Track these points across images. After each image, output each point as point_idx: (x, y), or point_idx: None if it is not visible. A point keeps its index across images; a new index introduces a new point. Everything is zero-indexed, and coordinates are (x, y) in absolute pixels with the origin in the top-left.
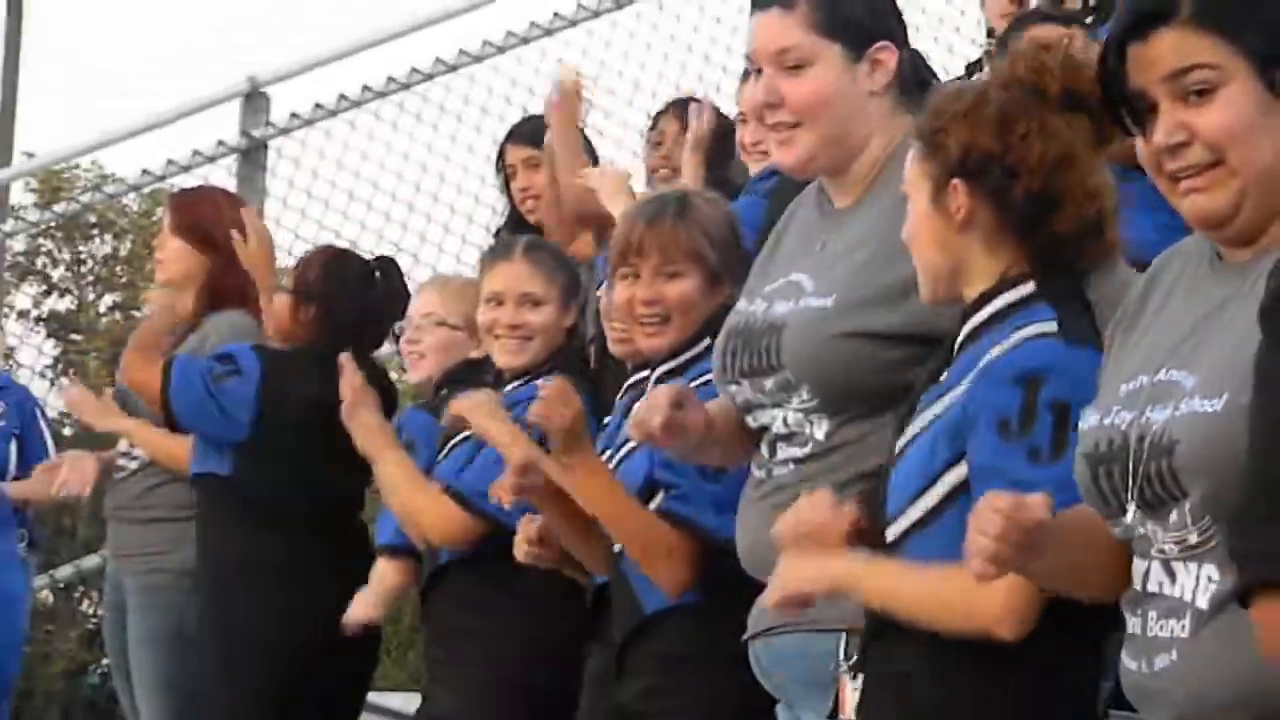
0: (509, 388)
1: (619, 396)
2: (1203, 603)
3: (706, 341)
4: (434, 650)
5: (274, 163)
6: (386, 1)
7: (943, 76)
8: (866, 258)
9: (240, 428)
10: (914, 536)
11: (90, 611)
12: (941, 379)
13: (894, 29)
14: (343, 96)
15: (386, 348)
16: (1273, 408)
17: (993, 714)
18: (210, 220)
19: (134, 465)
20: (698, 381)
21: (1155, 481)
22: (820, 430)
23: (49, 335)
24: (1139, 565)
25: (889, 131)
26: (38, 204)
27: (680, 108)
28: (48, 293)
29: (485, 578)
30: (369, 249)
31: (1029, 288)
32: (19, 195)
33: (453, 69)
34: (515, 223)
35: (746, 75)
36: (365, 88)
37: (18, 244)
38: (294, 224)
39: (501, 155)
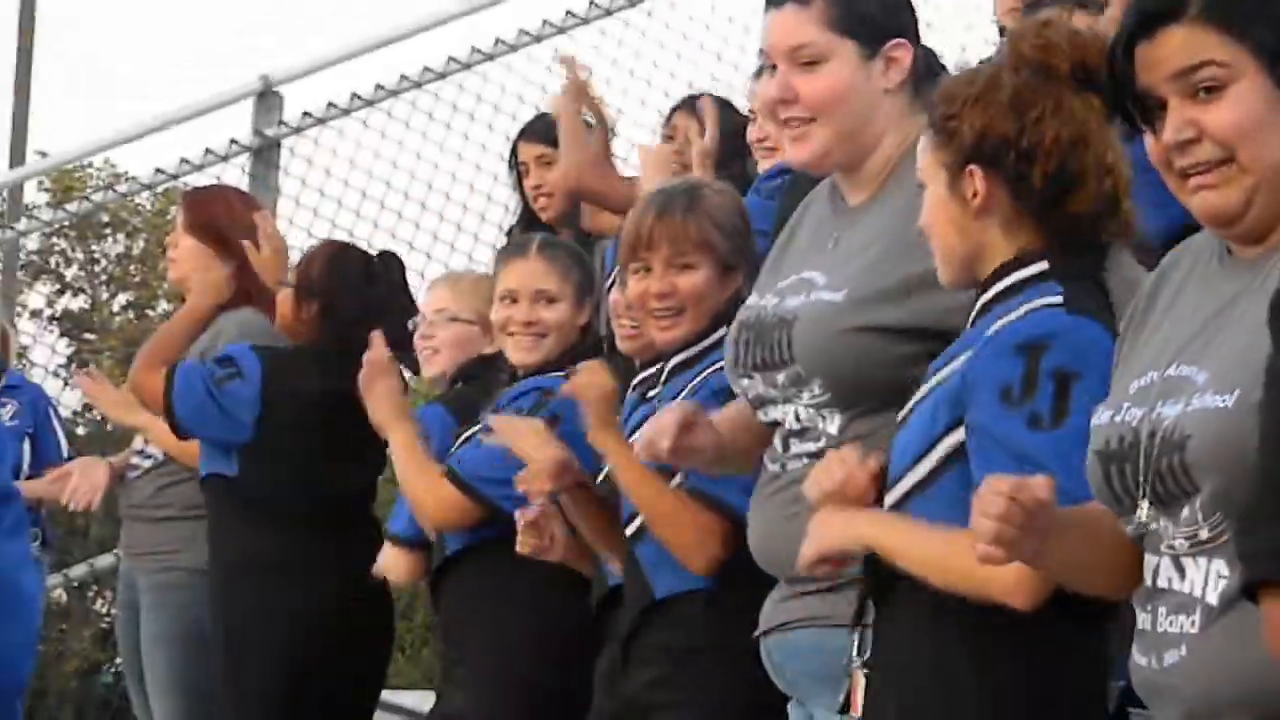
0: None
1: (629, 391)
2: (1213, 598)
3: (721, 331)
4: (445, 648)
5: (287, 161)
6: (401, 2)
7: None
8: (879, 253)
9: (244, 429)
10: (914, 499)
11: (104, 610)
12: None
13: (908, 26)
14: (355, 95)
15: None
16: None
17: (996, 701)
18: (223, 219)
19: (148, 464)
20: (710, 370)
21: (1167, 477)
22: (833, 425)
23: (62, 334)
24: (1149, 561)
25: (903, 129)
26: (51, 203)
27: (693, 105)
28: (61, 292)
29: (493, 573)
30: (380, 247)
31: (1042, 265)
32: (32, 194)
33: (466, 67)
34: (528, 220)
35: (759, 72)
36: (378, 86)
37: (31, 243)
38: (307, 223)
39: (514, 153)
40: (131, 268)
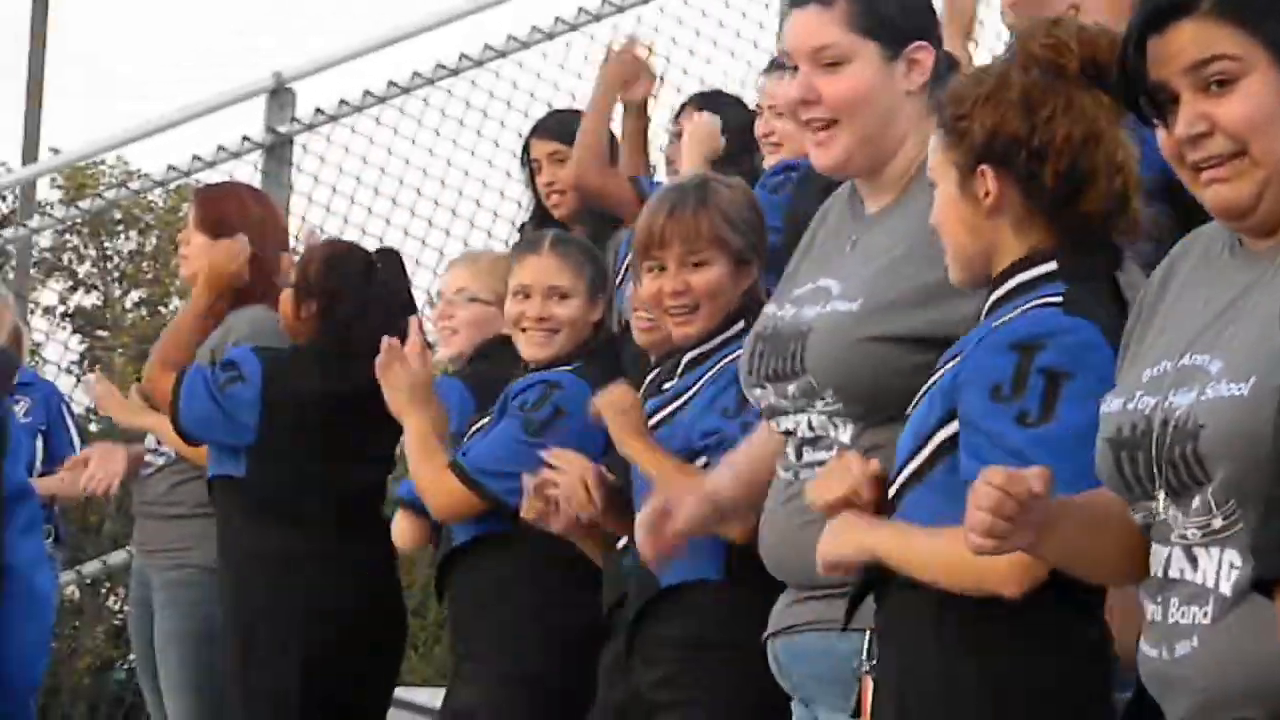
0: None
1: (645, 385)
2: (1225, 589)
3: (738, 325)
4: (455, 642)
5: (299, 158)
6: (401, 2)
7: None
8: (898, 259)
9: (247, 432)
10: (910, 490)
11: (117, 607)
12: None
13: (929, 28)
14: (368, 92)
15: None
16: None
17: (996, 693)
18: (235, 216)
19: (160, 461)
20: (726, 360)
21: (1179, 466)
22: (846, 434)
23: (75, 331)
24: (1159, 552)
25: (923, 132)
26: (64, 200)
27: (702, 102)
28: (74, 288)
29: (500, 566)
30: (394, 244)
31: (1050, 265)
32: (45, 192)
33: (477, 64)
34: (541, 217)
35: (769, 68)
36: (390, 83)
37: (44, 240)
38: (319, 220)
39: (527, 150)
40: (144, 264)
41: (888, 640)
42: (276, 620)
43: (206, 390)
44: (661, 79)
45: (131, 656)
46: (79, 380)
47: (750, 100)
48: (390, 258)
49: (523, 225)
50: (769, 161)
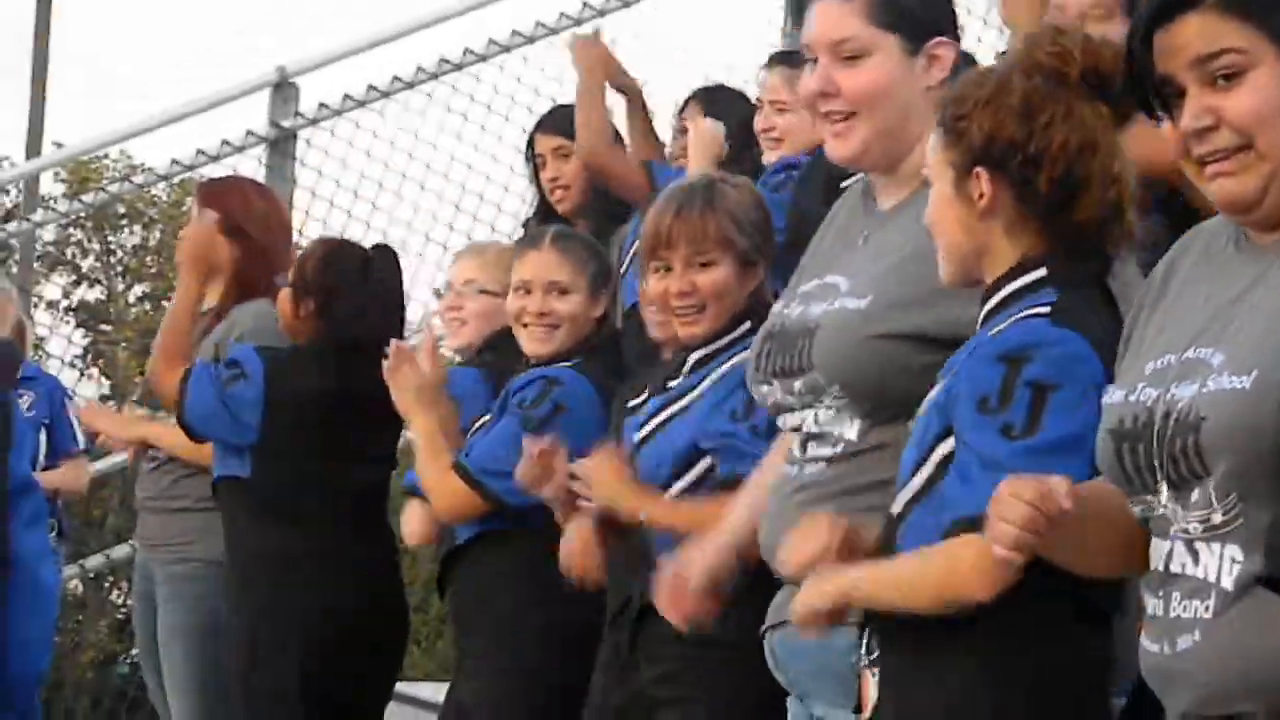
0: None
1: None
2: (1227, 583)
3: (745, 326)
4: (457, 637)
5: (303, 153)
6: (400, 1)
7: None
8: (907, 258)
9: (250, 431)
10: (914, 509)
11: (120, 601)
12: None
13: (950, 24)
14: (372, 87)
15: None
16: None
17: (998, 698)
18: (239, 210)
19: (163, 456)
20: (733, 362)
21: (1180, 459)
22: (851, 431)
23: (78, 325)
24: (1159, 546)
25: None
26: (67, 194)
27: (705, 97)
28: (77, 283)
29: (501, 562)
30: (398, 239)
31: (1041, 272)
32: (49, 186)
33: (481, 59)
34: (544, 213)
35: (770, 62)
36: (395, 78)
37: (47, 234)
38: (323, 214)
39: (531, 145)
40: (148, 259)
41: (889, 649)
42: (278, 619)
43: (213, 388)
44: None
45: (135, 651)
46: (82, 374)
47: (750, 95)
48: (385, 254)
49: (526, 220)
50: (768, 157)
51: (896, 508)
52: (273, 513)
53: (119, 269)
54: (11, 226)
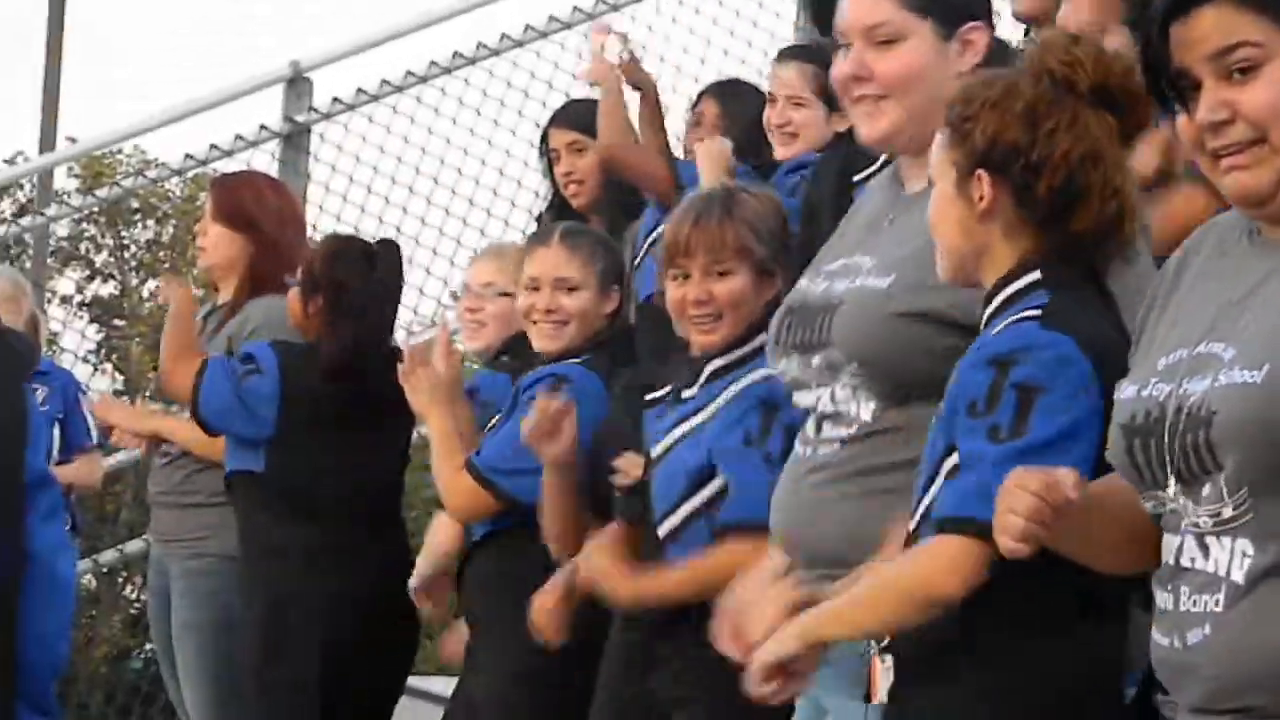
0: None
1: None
2: (1238, 577)
3: (760, 338)
4: (469, 633)
5: (316, 147)
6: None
7: None
8: (932, 241)
9: (266, 424)
10: (924, 525)
11: (134, 596)
12: None
13: (983, 9)
14: (385, 81)
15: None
16: None
17: (1020, 692)
18: (252, 205)
19: (176, 451)
20: (748, 380)
21: (1191, 453)
22: (866, 411)
23: (92, 320)
24: (1170, 541)
25: None
26: (81, 189)
27: (719, 91)
28: (91, 278)
29: (512, 560)
30: (411, 233)
31: (1035, 275)
32: (62, 181)
33: (495, 53)
34: (559, 207)
35: (783, 56)
36: (408, 72)
37: (61, 229)
38: (336, 209)
39: (545, 139)
40: (161, 254)
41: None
42: (292, 613)
43: (229, 383)
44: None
45: (148, 645)
46: (96, 369)
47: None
48: (389, 247)
49: (540, 215)
50: (782, 152)
51: (911, 526)
52: (287, 507)
53: (132, 264)
54: (25, 221)
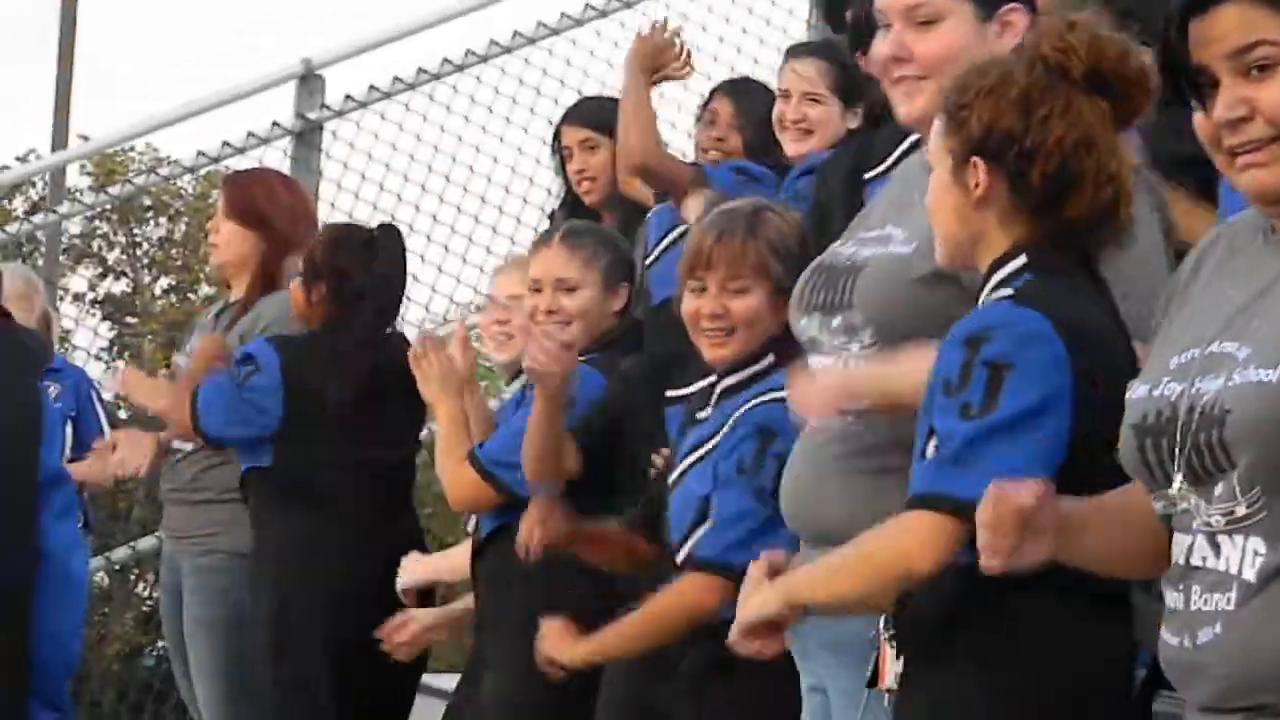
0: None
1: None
2: (1250, 575)
3: (769, 359)
4: (476, 627)
5: (328, 145)
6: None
7: None
8: None
9: (273, 418)
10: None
11: (146, 593)
12: None
13: None
14: (397, 79)
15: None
16: None
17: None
18: (264, 202)
19: (189, 447)
20: (754, 403)
21: (1204, 452)
22: None
23: (104, 318)
24: (1181, 540)
25: None
26: (93, 187)
27: (730, 89)
28: (103, 275)
29: (517, 560)
30: (423, 231)
31: (1021, 260)
32: (75, 178)
33: (507, 51)
34: (571, 205)
35: (797, 53)
36: (420, 70)
37: (73, 227)
38: (348, 206)
39: (557, 137)
40: (173, 251)
41: (907, 646)
42: (304, 605)
43: (229, 390)
44: (688, 59)
45: (160, 642)
46: (108, 366)
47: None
48: (390, 233)
49: (553, 212)
50: (795, 149)
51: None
52: (296, 498)
53: (145, 261)
54: (37, 219)
